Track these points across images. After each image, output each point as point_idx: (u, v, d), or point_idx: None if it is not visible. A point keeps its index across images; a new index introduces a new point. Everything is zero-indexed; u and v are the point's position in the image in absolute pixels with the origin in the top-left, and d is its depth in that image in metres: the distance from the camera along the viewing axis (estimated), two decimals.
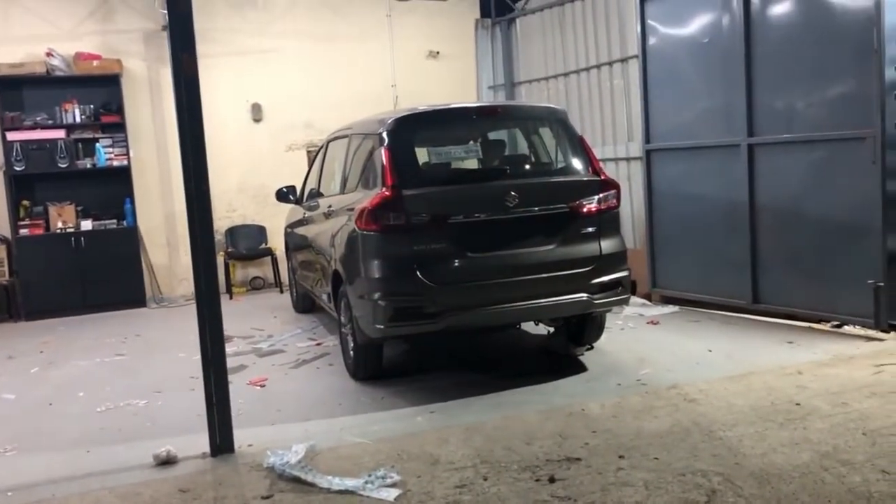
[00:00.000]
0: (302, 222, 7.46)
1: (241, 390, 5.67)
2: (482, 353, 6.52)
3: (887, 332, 5.88)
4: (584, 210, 5.45)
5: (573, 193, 5.48)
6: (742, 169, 6.69)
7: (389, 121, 5.52)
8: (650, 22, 7.52)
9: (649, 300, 7.79)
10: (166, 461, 4.27)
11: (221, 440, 4.33)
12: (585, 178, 5.63)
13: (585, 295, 5.37)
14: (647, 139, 7.68)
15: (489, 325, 5.82)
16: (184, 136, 4.18)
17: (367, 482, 3.84)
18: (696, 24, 7.08)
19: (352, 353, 5.73)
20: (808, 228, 6.29)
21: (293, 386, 5.79)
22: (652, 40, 7.54)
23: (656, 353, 5.95)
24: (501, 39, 10.93)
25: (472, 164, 6.26)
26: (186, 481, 4.04)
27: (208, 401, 4.30)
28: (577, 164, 5.75)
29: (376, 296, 5.12)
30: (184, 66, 4.10)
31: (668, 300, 7.66)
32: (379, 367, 5.73)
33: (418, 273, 5.09)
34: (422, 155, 6.01)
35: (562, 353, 6.09)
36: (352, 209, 5.50)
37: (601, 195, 5.51)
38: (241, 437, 4.53)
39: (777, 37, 6.37)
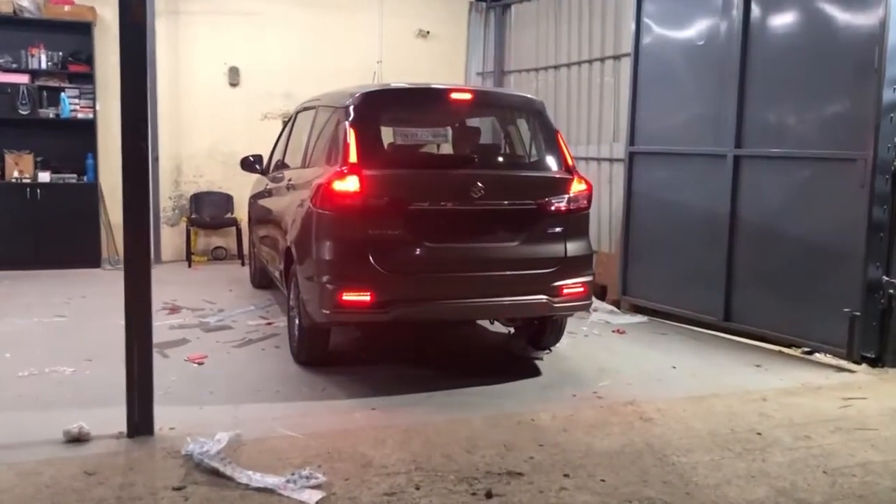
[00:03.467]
0: (264, 194, 7.14)
1: (177, 366, 5.37)
2: (436, 346, 6.25)
3: (859, 363, 5.66)
4: (552, 209, 5.19)
5: (542, 190, 5.23)
6: (726, 181, 6.43)
7: (356, 95, 5.22)
8: (646, 20, 7.23)
9: (618, 307, 7.54)
10: (77, 438, 3.95)
11: (140, 421, 4.01)
12: (557, 176, 5.37)
13: (546, 297, 5.10)
14: (632, 141, 7.40)
15: (441, 320, 5.58)
16: (125, 88, 3.82)
17: (289, 481, 3.54)
18: (693, 26, 6.79)
19: (297, 334, 5.46)
20: (787, 248, 6.05)
21: (233, 366, 5.47)
22: (646, 39, 7.24)
23: (618, 365, 5.69)
24: (495, 25, 10.61)
25: (440, 149, 5.95)
26: (94, 463, 3.72)
27: (129, 377, 3.98)
28: (549, 159, 5.49)
29: (324, 279, 4.85)
30: (132, 11, 3.73)
31: (637, 309, 7.41)
32: (324, 353, 5.46)
33: (371, 259, 4.81)
34: (388, 135, 5.68)
35: (520, 355, 5.81)
36: (308, 185, 5.22)
37: (571, 194, 5.26)
38: (165, 417, 4.22)
39: (775, 47, 6.10)
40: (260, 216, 7.39)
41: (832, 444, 4.23)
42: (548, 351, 5.88)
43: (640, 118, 7.34)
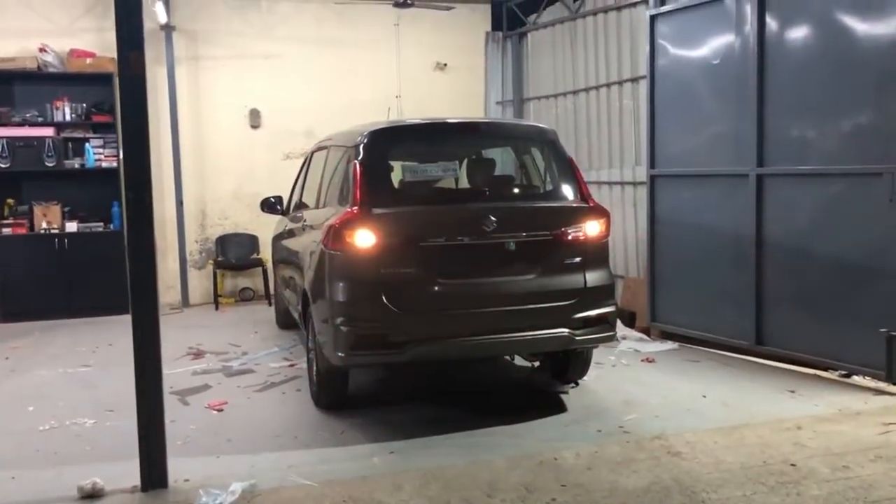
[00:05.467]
0: (285, 234, 7.10)
1: (197, 414, 5.32)
2: (457, 383, 6.12)
3: None
4: (569, 239, 5.07)
5: (558, 220, 5.11)
6: (749, 200, 6.25)
7: (364, 133, 5.17)
8: (660, 41, 7.12)
9: (648, 335, 7.35)
10: (91, 494, 3.91)
11: (153, 474, 3.95)
12: (572, 205, 5.26)
13: (567, 330, 4.96)
14: (652, 164, 7.26)
15: (460, 359, 5.46)
16: (127, 139, 3.82)
17: None
18: (708, 44, 6.66)
19: (315, 378, 5.37)
20: (817, 268, 5.84)
21: (252, 412, 5.41)
22: (661, 60, 7.13)
23: (646, 396, 5.51)
24: (512, 54, 10.57)
25: (450, 183, 5.90)
26: None
27: (141, 431, 3.93)
28: (564, 188, 5.37)
29: (338, 321, 4.76)
30: (131, 65, 3.74)
31: (667, 336, 7.21)
32: (343, 396, 5.35)
33: (384, 299, 4.71)
34: (397, 171, 5.60)
35: (545, 390, 5.67)
36: (321, 226, 5.15)
37: (588, 223, 5.12)
38: (181, 469, 4.17)
39: (792, 61, 5.94)
40: (281, 257, 7.38)
41: (872, 474, 4.02)
42: (574, 384, 5.73)
43: (659, 141, 7.21)
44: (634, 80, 8.32)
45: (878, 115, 5.37)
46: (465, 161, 5.96)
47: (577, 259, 5.07)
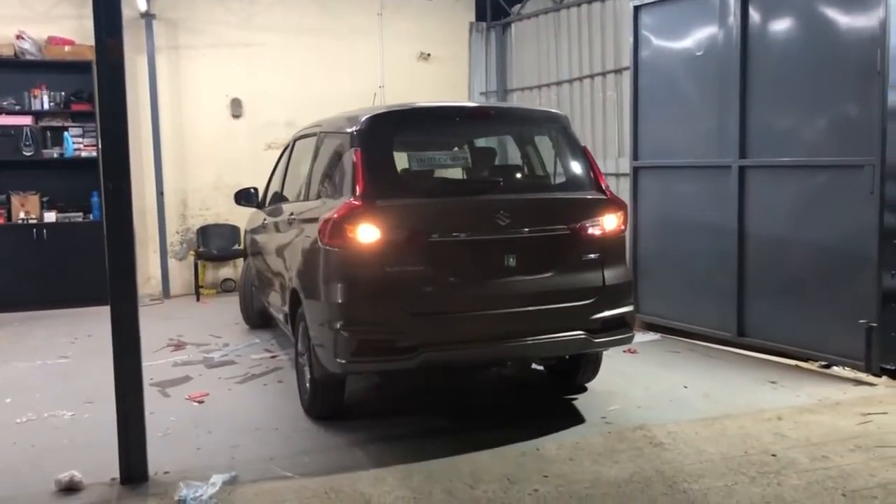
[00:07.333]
0: (263, 229, 6.65)
1: (177, 406, 5.27)
2: (445, 385, 6.01)
3: (878, 376, 5.46)
4: (587, 233, 4.73)
5: (575, 213, 4.75)
6: (732, 192, 6.27)
7: (363, 119, 4.74)
8: (644, 32, 7.11)
9: None
10: (69, 488, 3.86)
11: (132, 467, 3.91)
12: (589, 196, 4.90)
13: (583, 333, 4.63)
14: (635, 156, 7.26)
15: (472, 364, 5.18)
16: (105, 128, 3.76)
17: None
18: (692, 36, 6.66)
19: (308, 386, 4.94)
20: (798, 260, 5.87)
21: (233, 404, 5.37)
22: (645, 52, 7.12)
23: (628, 387, 5.52)
24: (496, 44, 10.56)
25: (459, 173, 5.52)
26: None
27: (120, 424, 3.89)
28: (579, 179, 5.01)
29: (339, 324, 4.35)
30: (109, 52, 3.68)
31: (650, 327, 7.23)
32: (339, 406, 4.95)
33: (390, 299, 4.36)
34: (400, 161, 5.09)
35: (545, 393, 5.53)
36: (315, 220, 4.71)
37: (607, 216, 4.80)
38: (161, 460, 4.14)
39: (775, 54, 5.96)
40: (258, 253, 6.89)
41: (851, 463, 4.05)
42: (584, 390, 5.45)
43: (642, 132, 7.21)
44: (618, 71, 8.34)
45: (859, 108, 5.39)
46: (475, 149, 5.65)
47: (595, 255, 4.74)
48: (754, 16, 6.08)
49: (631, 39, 7.23)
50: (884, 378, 5.46)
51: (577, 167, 5.08)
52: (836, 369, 5.79)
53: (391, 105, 5.30)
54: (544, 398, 5.46)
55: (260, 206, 7.05)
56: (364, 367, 4.59)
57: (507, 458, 4.22)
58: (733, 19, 6.20)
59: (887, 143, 5.18)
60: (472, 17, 10.76)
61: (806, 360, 5.98)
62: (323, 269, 4.53)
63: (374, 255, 4.34)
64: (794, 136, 5.88)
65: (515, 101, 10.29)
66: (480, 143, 5.88)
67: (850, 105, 5.47)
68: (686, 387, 5.54)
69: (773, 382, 5.58)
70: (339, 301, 4.40)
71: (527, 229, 4.61)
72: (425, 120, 5.25)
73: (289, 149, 6.81)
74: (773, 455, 4.18)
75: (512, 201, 4.66)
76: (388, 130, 4.82)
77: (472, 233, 4.54)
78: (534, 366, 5.96)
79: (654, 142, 7.11)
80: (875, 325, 5.32)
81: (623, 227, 4.91)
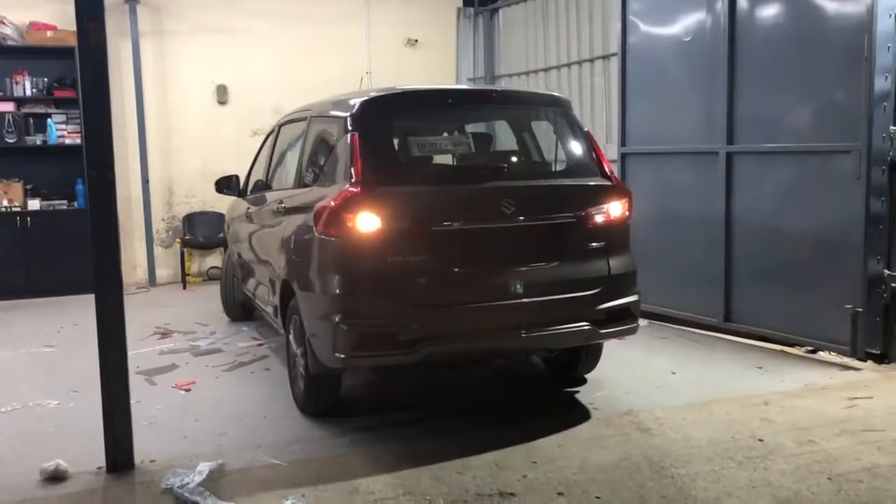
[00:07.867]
0: (246, 218, 6.37)
1: (164, 394, 5.25)
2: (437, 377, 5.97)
3: (864, 360, 5.49)
4: (594, 221, 4.59)
5: (581, 200, 4.62)
6: (719, 178, 6.28)
7: (360, 101, 4.54)
8: (632, 18, 7.09)
9: None
10: (54, 476, 3.83)
11: (118, 455, 3.89)
12: (595, 183, 4.76)
13: (588, 324, 4.51)
14: (623, 142, 7.26)
15: (476, 358, 5.09)
16: (88, 114, 3.71)
17: None
18: (680, 22, 6.65)
19: (302, 382, 4.77)
20: (785, 245, 5.90)
21: (221, 392, 5.34)
22: (633, 38, 7.11)
23: (616, 373, 5.51)
24: (483, 30, 10.52)
25: (460, 159, 5.35)
26: (71, 501, 3.61)
27: (106, 412, 3.86)
28: (584, 164, 4.87)
29: (338, 317, 4.17)
30: (90, 36, 3.63)
31: None
32: (335, 401, 4.79)
33: (391, 291, 4.21)
34: (398, 146, 4.84)
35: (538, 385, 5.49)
36: (307, 208, 4.54)
37: (612, 203, 4.67)
38: (148, 449, 4.12)
39: (763, 40, 5.96)
40: (241, 243, 6.63)
41: (837, 447, 4.08)
42: (584, 382, 5.33)
43: (630, 118, 7.20)
44: (606, 57, 8.33)
45: (846, 94, 5.40)
46: (477, 134, 5.51)
47: (601, 244, 4.60)
48: (742, 2, 6.07)
49: (619, 25, 7.21)
50: (869, 363, 5.49)
51: (581, 152, 4.95)
52: (822, 354, 5.82)
53: (388, 87, 5.13)
54: (539, 388, 5.43)
55: (241, 194, 6.80)
56: (364, 361, 4.40)
57: (495, 445, 4.21)
58: (721, 5, 6.19)
59: (874, 129, 5.20)
60: (460, 3, 10.71)
61: (792, 345, 6.00)
62: (320, 260, 4.40)
63: (374, 245, 4.17)
64: (781, 122, 5.89)
65: (503, 87, 10.26)
66: (481, 127, 5.78)
67: (837, 91, 5.48)
68: (673, 372, 5.56)
69: (759, 368, 5.60)
70: (338, 293, 4.25)
71: (533, 217, 4.49)
72: (425, 103, 5.07)
73: (273, 135, 6.54)
74: (760, 440, 4.20)
75: (516, 188, 4.54)
76: (386, 114, 4.66)
77: (476, 221, 4.39)
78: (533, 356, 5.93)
79: (642, 128, 7.11)
80: (861, 310, 5.36)
81: (628, 214, 4.78)
